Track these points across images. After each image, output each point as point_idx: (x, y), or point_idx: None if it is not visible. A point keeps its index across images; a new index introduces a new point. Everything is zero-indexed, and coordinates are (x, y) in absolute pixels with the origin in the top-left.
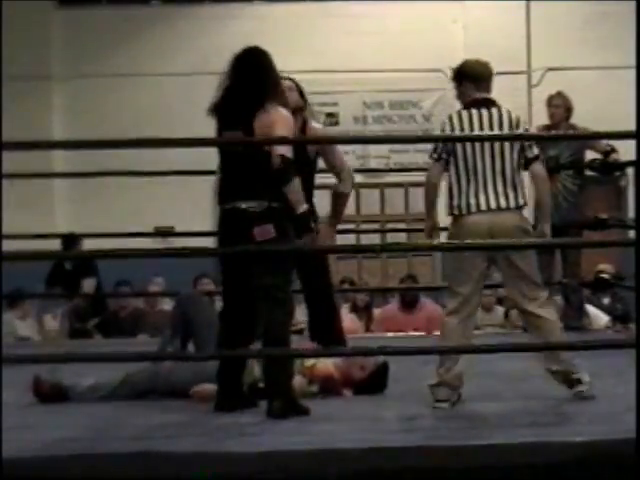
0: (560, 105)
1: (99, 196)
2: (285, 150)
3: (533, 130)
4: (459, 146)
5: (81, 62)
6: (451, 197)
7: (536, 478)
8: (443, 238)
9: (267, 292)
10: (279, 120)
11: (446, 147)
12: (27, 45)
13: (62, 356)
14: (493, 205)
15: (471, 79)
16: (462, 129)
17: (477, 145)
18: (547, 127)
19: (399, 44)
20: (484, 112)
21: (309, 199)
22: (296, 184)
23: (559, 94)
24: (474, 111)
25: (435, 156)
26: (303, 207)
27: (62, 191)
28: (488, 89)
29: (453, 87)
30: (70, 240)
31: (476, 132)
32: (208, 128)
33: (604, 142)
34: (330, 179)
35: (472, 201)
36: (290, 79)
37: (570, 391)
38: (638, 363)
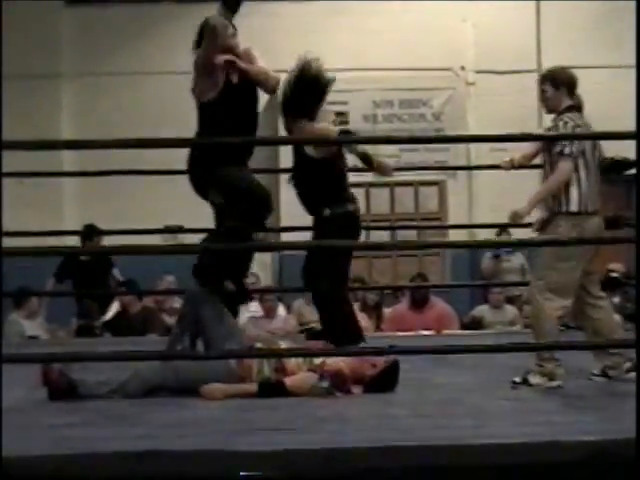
0: None
1: (108, 195)
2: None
3: None
4: (586, 144)
5: (91, 60)
6: (578, 194)
7: (536, 477)
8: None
9: None
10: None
11: (579, 145)
12: (37, 43)
13: (70, 355)
14: (598, 206)
15: (567, 86)
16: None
17: (590, 144)
18: None
19: (409, 42)
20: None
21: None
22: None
23: None
24: (580, 114)
25: (571, 153)
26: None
27: (71, 190)
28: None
29: (547, 89)
30: (89, 232)
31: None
32: None
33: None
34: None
35: (593, 201)
36: None
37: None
38: (638, 363)
